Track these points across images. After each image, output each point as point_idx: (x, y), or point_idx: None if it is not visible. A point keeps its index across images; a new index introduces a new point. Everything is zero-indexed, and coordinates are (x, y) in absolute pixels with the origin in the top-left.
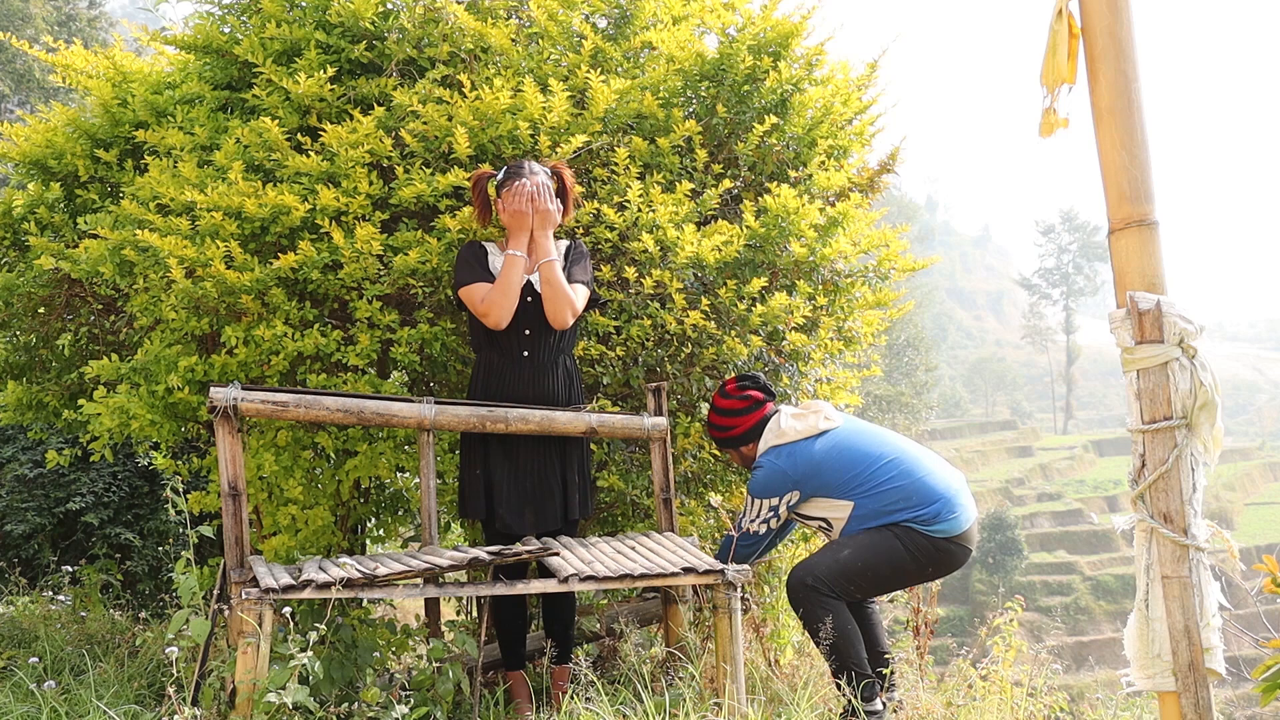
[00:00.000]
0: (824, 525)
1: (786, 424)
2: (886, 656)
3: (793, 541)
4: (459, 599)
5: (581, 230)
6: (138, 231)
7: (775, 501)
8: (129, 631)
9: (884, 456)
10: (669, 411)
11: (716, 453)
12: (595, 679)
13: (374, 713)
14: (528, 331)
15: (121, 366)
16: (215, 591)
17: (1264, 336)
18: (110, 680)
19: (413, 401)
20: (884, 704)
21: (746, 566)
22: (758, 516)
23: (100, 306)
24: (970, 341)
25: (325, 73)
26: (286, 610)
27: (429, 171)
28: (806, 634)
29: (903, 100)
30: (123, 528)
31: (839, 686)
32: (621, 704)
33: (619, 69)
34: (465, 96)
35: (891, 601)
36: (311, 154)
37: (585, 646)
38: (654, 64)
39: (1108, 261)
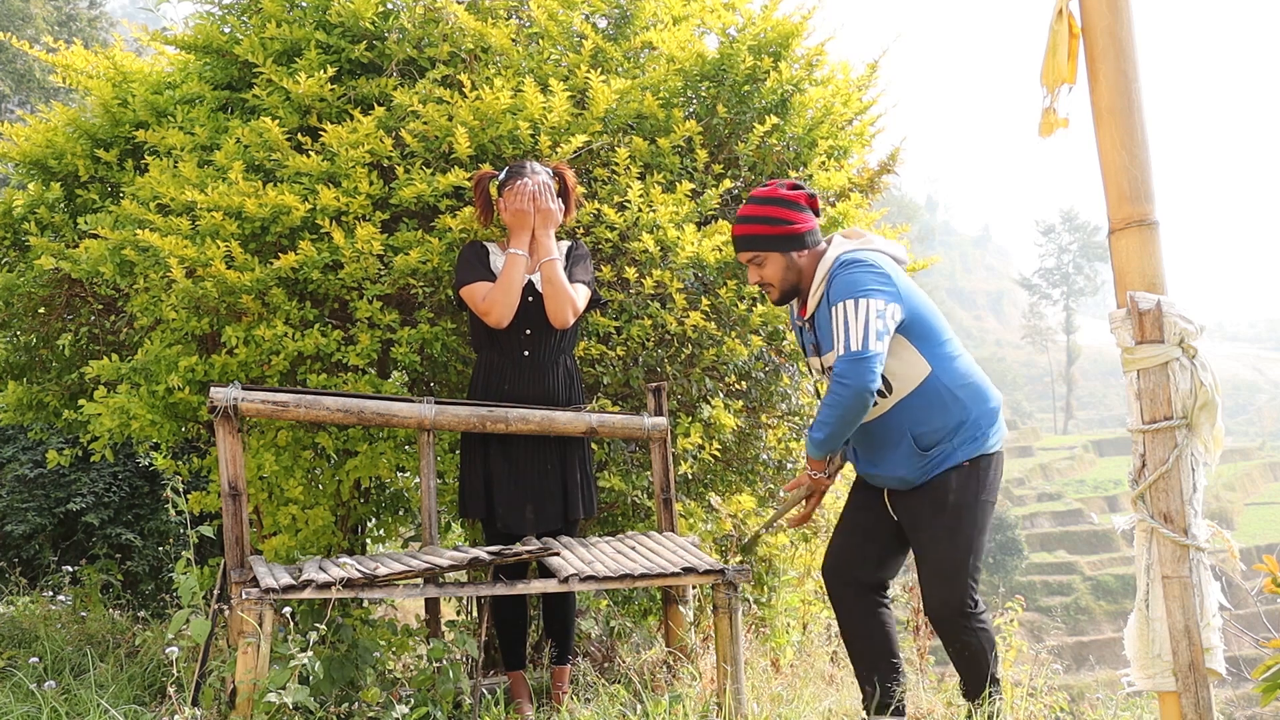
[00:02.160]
0: (880, 392)
1: (871, 237)
2: (898, 661)
3: (793, 543)
4: (459, 599)
5: (582, 230)
6: (138, 231)
7: (883, 305)
8: (129, 631)
9: (946, 326)
10: (669, 412)
11: (717, 453)
12: (596, 679)
13: (374, 713)
14: (528, 331)
15: (122, 366)
16: (215, 591)
17: (1264, 336)
18: (110, 680)
19: (413, 401)
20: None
21: (746, 567)
22: (869, 327)
23: (100, 306)
24: (970, 341)
25: (325, 73)
26: (287, 610)
27: (429, 171)
28: (956, 661)
29: (903, 100)
30: (123, 528)
31: (975, 701)
32: (622, 704)
33: (619, 69)
34: (465, 96)
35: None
36: (312, 154)
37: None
38: (654, 64)
39: (1108, 261)
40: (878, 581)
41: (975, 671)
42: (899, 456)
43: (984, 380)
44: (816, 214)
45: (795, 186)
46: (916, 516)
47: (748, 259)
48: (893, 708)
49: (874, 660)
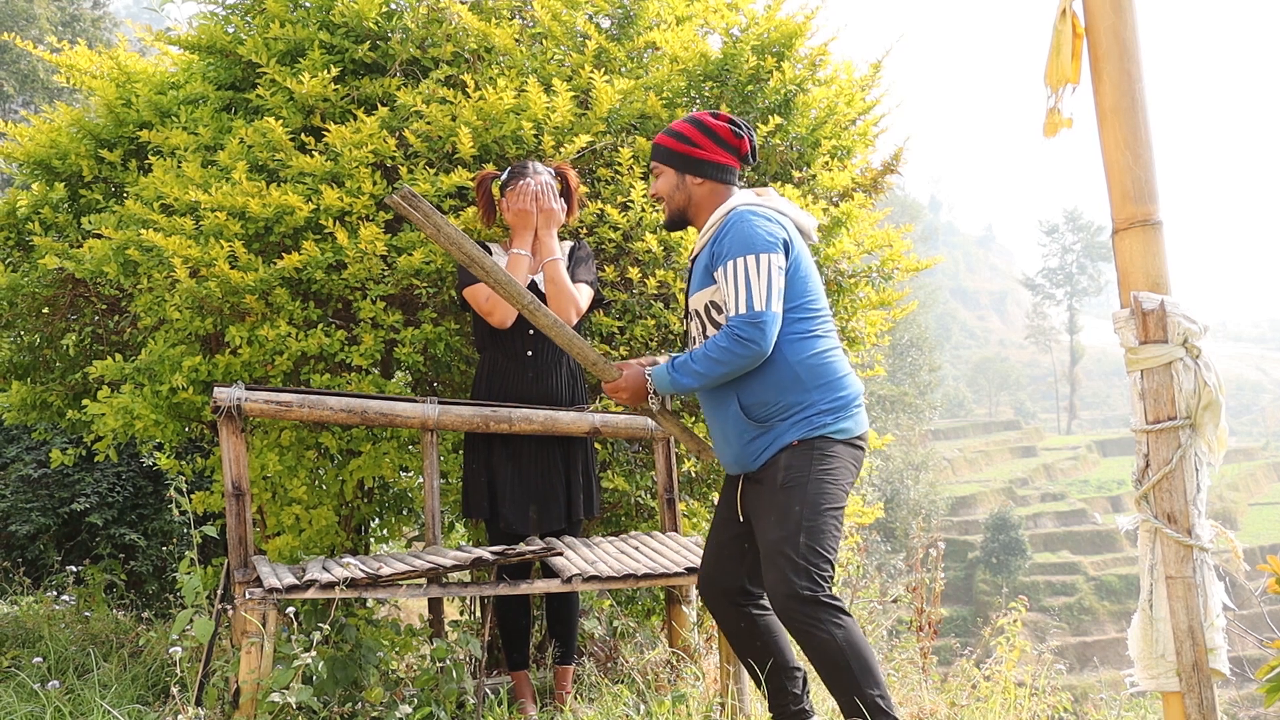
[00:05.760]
0: None
1: (772, 197)
2: (799, 671)
3: None
4: (463, 599)
5: (585, 230)
6: (142, 231)
7: (783, 260)
8: (133, 631)
9: (827, 307)
10: (672, 411)
11: None
12: (599, 679)
13: (378, 712)
14: (531, 331)
15: (125, 366)
16: (219, 591)
17: (1268, 336)
18: (114, 680)
19: (416, 401)
20: None
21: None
22: (771, 285)
23: (104, 306)
24: (974, 341)
25: (329, 73)
26: (290, 610)
27: (433, 171)
28: (811, 663)
29: (906, 100)
30: (127, 528)
31: None
32: (625, 704)
33: (623, 69)
34: (469, 96)
35: (895, 602)
36: (315, 154)
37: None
38: (658, 64)
39: (1111, 261)
40: (744, 588)
41: (838, 675)
42: (728, 427)
43: (841, 370)
44: (744, 157)
45: (730, 121)
46: (755, 505)
47: (651, 166)
48: (796, 710)
49: (761, 665)
